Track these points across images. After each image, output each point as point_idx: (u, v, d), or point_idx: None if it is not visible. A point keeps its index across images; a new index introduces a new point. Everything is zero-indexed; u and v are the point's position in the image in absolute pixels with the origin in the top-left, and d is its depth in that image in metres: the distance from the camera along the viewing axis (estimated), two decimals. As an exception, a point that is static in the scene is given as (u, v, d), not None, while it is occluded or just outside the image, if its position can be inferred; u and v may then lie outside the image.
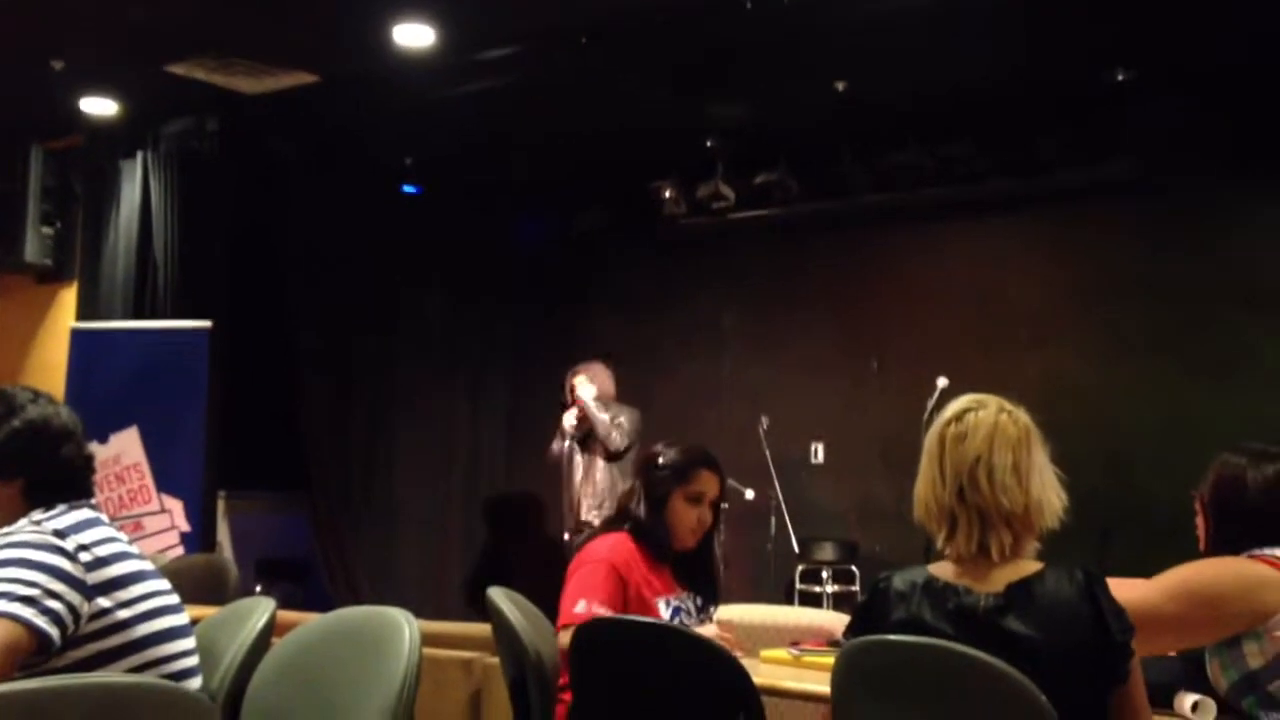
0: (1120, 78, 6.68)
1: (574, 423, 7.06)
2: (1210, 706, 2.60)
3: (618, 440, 6.68)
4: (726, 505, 7.21)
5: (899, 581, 2.48)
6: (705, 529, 3.58)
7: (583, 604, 3.30)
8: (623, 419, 6.79)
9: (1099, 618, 2.28)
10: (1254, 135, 6.78)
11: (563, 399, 7.22)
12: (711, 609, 3.60)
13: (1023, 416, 2.48)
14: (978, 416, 2.47)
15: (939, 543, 2.49)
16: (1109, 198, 7.33)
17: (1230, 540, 2.81)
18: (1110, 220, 7.37)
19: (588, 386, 7.05)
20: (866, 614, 2.52)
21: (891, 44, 6.41)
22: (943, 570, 2.46)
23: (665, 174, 8.37)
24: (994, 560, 2.40)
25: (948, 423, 2.50)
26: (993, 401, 2.51)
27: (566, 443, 7.08)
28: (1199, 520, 3.00)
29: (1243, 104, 6.72)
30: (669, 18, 6.18)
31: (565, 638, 3.25)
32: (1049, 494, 2.44)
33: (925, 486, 2.49)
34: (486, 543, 6.76)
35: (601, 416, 6.74)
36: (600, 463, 6.85)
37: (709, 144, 8.09)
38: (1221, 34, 6.23)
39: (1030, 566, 2.41)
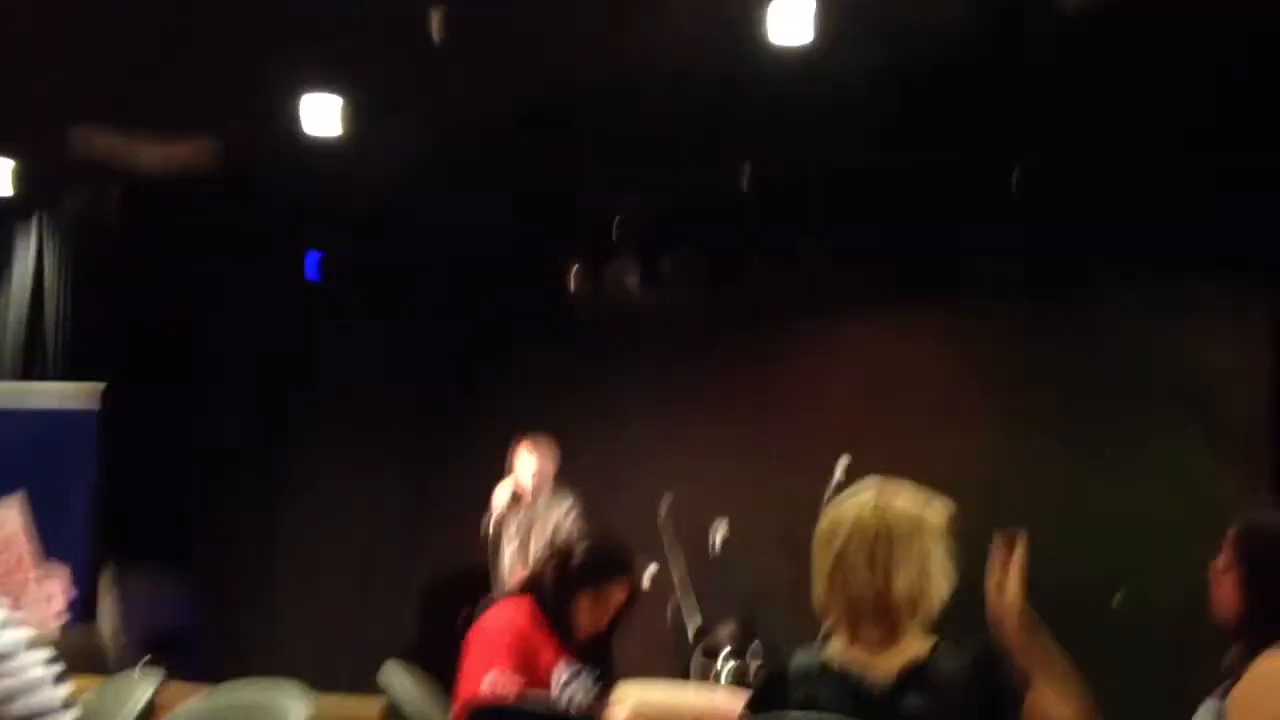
0: (1019, 178, 6.86)
1: (504, 499, 7.00)
2: None
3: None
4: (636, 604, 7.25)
5: (797, 661, 2.50)
6: (603, 628, 3.53)
7: (493, 674, 3.21)
8: (569, 505, 6.83)
9: (992, 697, 2.31)
10: (1141, 232, 7.02)
11: (474, 469, 7.16)
12: (607, 682, 3.56)
13: (898, 505, 2.50)
14: (839, 512, 2.53)
15: (831, 634, 2.54)
16: (1006, 294, 7.51)
17: None
18: (1009, 313, 7.56)
19: (529, 461, 7.00)
20: (766, 693, 2.53)
21: (796, 134, 6.52)
22: (838, 652, 2.48)
23: (572, 252, 8.40)
24: (886, 643, 2.44)
25: (823, 520, 2.55)
26: (867, 492, 2.55)
27: (495, 518, 7.00)
28: (1225, 595, 2.66)
29: (1130, 202, 6.95)
30: (579, 97, 6.24)
31: (462, 715, 3.19)
32: (925, 581, 2.45)
33: (814, 579, 2.53)
34: (385, 613, 6.67)
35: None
36: (529, 545, 6.78)
37: (616, 224, 8.14)
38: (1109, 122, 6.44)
39: (921, 646, 2.43)
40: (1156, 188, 6.78)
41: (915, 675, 2.38)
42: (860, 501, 2.53)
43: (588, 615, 3.47)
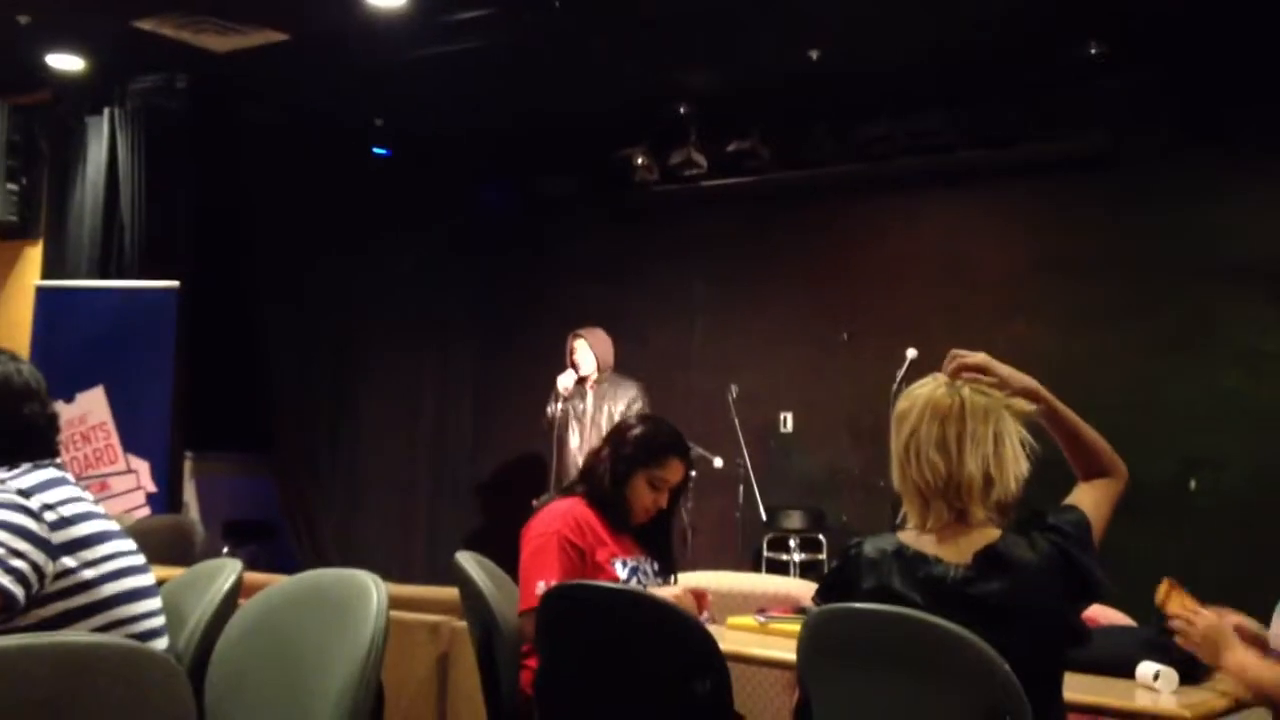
0: (1091, 50, 6.69)
1: (569, 385, 7.10)
2: (1172, 677, 2.62)
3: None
4: (694, 473, 7.31)
5: (870, 549, 2.51)
6: (658, 511, 3.56)
7: (541, 586, 3.26)
8: (634, 394, 6.91)
9: (1070, 581, 2.33)
10: (1221, 109, 6.82)
11: (536, 363, 7.25)
12: (671, 577, 3.59)
13: (966, 391, 2.49)
14: (915, 393, 2.53)
15: (903, 520, 2.53)
16: (1077, 170, 7.36)
17: None
18: (1077, 192, 7.40)
19: (588, 354, 7.09)
20: (837, 580, 2.55)
21: (865, 13, 6.40)
22: (912, 539, 2.49)
23: (637, 140, 8.34)
24: (959, 529, 2.44)
25: (899, 403, 2.55)
26: (943, 376, 2.54)
27: (560, 405, 7.11)
28: None
29: (1212, 78, 6.75)
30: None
31: (529, 624, 3.23)
32: (995, 466, 2.44)
33: (891, 465, 2.55)
34: (454, 508, 6.79)
35: None
36: (602, 429, 6.89)
37: (682, 111, 8.07)
38: (1191, 7, 6.24)
39: (991, 534, 2.43)
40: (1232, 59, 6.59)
41: (990, 558, 2.38)
42: (936, 382, 2.53)
43: (644, 496, 3.49)
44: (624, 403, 7.05)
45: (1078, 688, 2.52)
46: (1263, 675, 2.50)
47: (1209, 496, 6.72)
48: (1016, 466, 2.44)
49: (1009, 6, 6.29)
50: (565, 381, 7.16)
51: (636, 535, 3.57)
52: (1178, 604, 2.70)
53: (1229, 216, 6.90)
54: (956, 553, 2.42)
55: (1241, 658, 2.53)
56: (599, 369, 7.18)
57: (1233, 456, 6.71)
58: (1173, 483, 6.74)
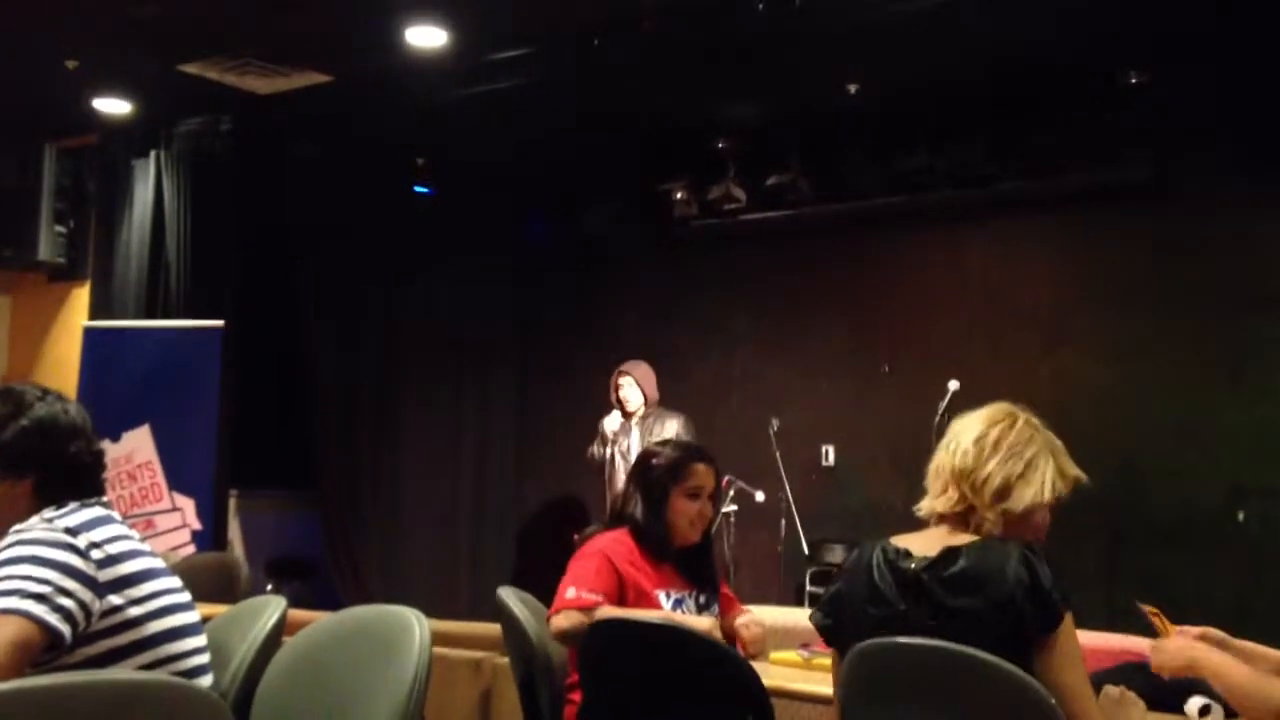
0: (1132, 79, 6.67)
1: (616, 427, 7.10)
2: (1219, 712, 2.60)
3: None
4: (735, 507, 7.25)
5: (866, 547, 2.62)
6: (705, 522, 3.59)
7: (572, 590, 3.34)
8: (677, 426, 6.92)
9: (1032, 580, 2.35)
10: (1265, 135, 6.77)
11: (578, 398, 7.26)
12: (714, 607, 3.59)
13: (1020, 413, 2.61)
14: (981, 409, 2.65)
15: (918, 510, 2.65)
16: (1120, 199, 7.31)
17: None
18: (1121, 222, 7.34)
19: (635, 390, 7.10)
20: (838, 577, 2.68)
21: (903, 44, 6.41)
22: (902, 539, 2.60)
23: (677, 175, 8.37)
24: (949, 529, 2.54)
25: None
26: (996, 405, 2.65)
27: (608, 449, 7.10)
28: None
29: (1254, 104, 6.70)
30: (681, 17, 6.18)
31: (557, 621, 3.30)
32: (1024, 475, 2.52)
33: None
34: (496, 543, 6.80)
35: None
36: None
37: (720, 145, 8.09)
38: (1231, 33, 6.21)
39: (971, 538, 2.50)
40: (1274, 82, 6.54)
41: (954, 551, 2.44)
42: (994, 405, 2.64)
43: (686, 510, 3.52)
44: (669, 436, 7.05)
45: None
46: (1231, 671, 2.52)
47: (1258, 527, 6.63)
48: (1035, 495, 2.52)
49: (1048, 36, 6.28)
50: (611, 425, 7.15)
51: (680, 566, 3.57)
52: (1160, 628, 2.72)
53: (1275, 244, 6.84)
54: (930, 549, 2.50)
55: (1217, 659, 2.55)
56: (646, 404, 7.18)
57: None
58: (1221, 514, 6.65)
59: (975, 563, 2.41)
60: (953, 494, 2.54)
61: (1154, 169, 7.12)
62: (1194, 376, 6.95)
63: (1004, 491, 2.51)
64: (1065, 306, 7.53)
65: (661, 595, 3.45)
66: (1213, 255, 6.99)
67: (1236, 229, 6.93)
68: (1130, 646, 3.13)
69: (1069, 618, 2.35)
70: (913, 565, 2.47)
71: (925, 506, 2.60)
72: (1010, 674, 2.23)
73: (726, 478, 6.83)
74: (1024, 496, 2.51)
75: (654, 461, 3.62)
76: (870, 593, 2.50)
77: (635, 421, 7.16)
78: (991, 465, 2.52)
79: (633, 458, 7.01)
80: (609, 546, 3.47)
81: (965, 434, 2.57)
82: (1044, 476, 2.53)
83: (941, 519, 2.57)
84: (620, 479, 7.07)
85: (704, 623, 3.35)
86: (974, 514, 2.52)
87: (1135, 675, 2.82)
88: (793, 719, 3.89)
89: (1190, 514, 6.69)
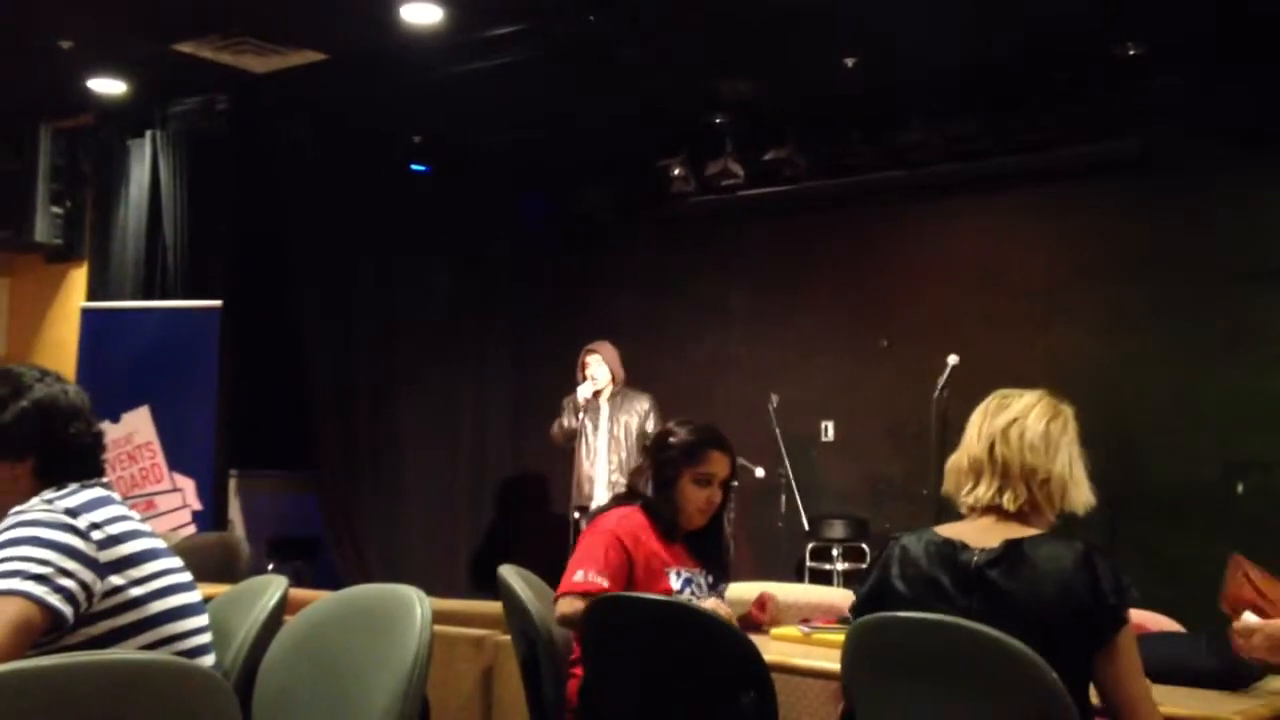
0: (1128, 53, 6.65)
1: (588, 396, 7.15)
2: None
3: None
4: (737, 484, 7.28)
5: (907, 539, 2.57)
6: (714, 508, 3.57)
7: (580, 574, 3.33)
8: (647, 407, 6.98)
9: (1094, 583, 2.31)
10: (1258, 109, 6.75)
11: (572, 377, 7.29)
12: (722, 586, 3.60)
13: (1066, 406, 2.60)
14: (1023, 395, 2.62)
15: (961, 496, 2.59)
16: (1116, 173, 7.30)
17: None
18: (1117, 196, 7.34)
19: (603, 367, 7.16)
20: (874, 569, 2.62)
21: (900, 20, 6.39)
22: (948, 530, 2.54)
23: (674, 152, 8.35)
24: (1002, 520, 2.49)
25: (992, 398, 2.64)
26: (1039, 391, 2.64)
27: (581, 415, 7.15)
28: None
29: (1247, 80, 6.69)
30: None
31: (562, 605, 3.30)
32: (1075, 476, 2.53)
33: (959, 450, 2.61)
34: (495, 521, 6.83)
35: None
36: (619, 440, 6.97)
37: (718, 121, 8.07)
38: (1225, 8, 6.19)
39: (1033, 531, 2.48)
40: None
41: (1018, 550, 2.40)
42: (1038, 393, 2.61)
43: (695, 496, 3.50)
44: (638, 415, 7.11)
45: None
46: None
47: (1257, 499, 6.64)
48: (1086, 500, 2.54)
49: (1043, 11, 6.26)
50: (585, 392, 7.20)
51: (690, 545, 3.57)
52: (1248, 589, 2.66)
53: (1268, 218, 6.83)
54: (989, 541, 2.45)
55: None
56: (613, 381, 7.22)
57: (1279, 459, 6.63)
58: (1219, 486, 6.66)
59: (1041, 559, 2.38)
60: (1021, 491, 2.50)
61: (1148, 143, 7.12)
62: (1190, 349, 6.96)
63: (1064, 491, 2.51)
64: (1061, 280, 7.53)
65: (671, 574, 3.45)
66: (1208, 228, 6.99)
67: (1231, 202, 6.93)
68: (1139, 620, 3.14)
69: (1129, 626, 2.34)
70: (974, 558, 2.44)
71: (978, 498, 2.54)
72: (1014, 649, 2.23)
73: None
74: (1078, 492, 2.53)
75: (670, 440, 3.60)
76: (926, 586, 2.46)
77: (605, 399, 7.19)
78: (1059, 462, 2.51)
79: (603, 432, 7.06)
80: (619, 524, 3.47)
81: (1031, 428, 2.53)
82: (1081, 467, 2.55)
83: (987, 511, 2.53)
84: (584, 451, 7.12)
85: (708, 602, 3.35)
86: (1035, 511, 2.50)
87: (1173, 646, 2.81)
88: (794, 694, 3.91)
89: (1188, 487, 6.70)
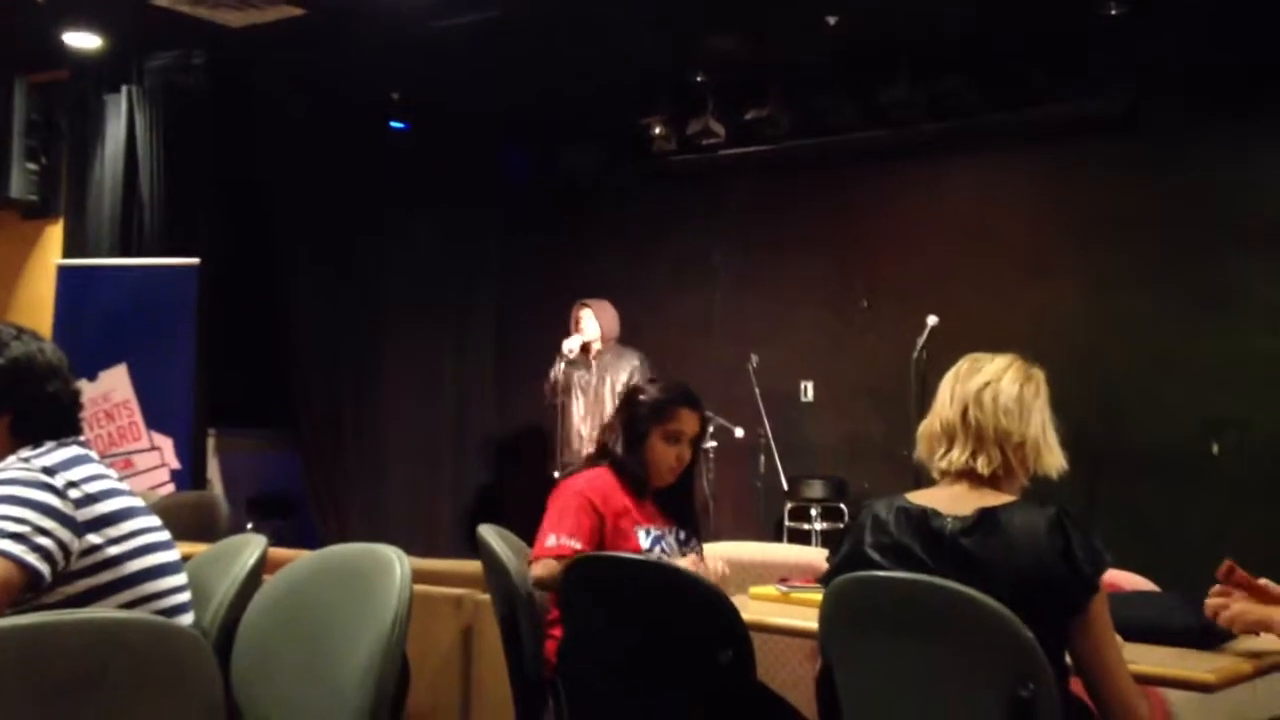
0: (1113, 11, 6.64)
1: (574, 348, 7.14)
2: None
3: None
4: (715, 443, 7.30)
5: (879, 508, 2.56)
6: (684, 466, 3.58)
7: (553, 538, 3.32)
8: (636, 364, 6.99)
9: (1067, 551, 2.32)
10: (1245, 70, 6.75)
11: (555, 335, 7.27)
12: (694, 543, 3.60)
13: (1037, 370, 2.60)
14: (994, 359, 2.61)
15: (933, 461, 2.59)
16: (1102, 131, 7.30)
17: None
18: (1102, 155, 7.34)
19: (593, 322, 7.14)
20: (846, 537, 2.62)
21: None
22: (920, 497, 2.54)
23: (655, 110, 8.32)
24: (975, 486, 2.50)
25: (963, 362, 2.63)
26: (1009, 356, 2.63)
27: (563, 367, 7.14)
28: None
29: (1235, 38, 6.68)
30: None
31: (536, 569, 3.30)
32: (1048, 440, 2.54)
33: (931, 414, 2.61)
34: (477, 480, 6.82)
35: None
36: (604, 397, 6.97)
37: (699, 80, 8.03)
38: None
39: (1006, 498, 2.47)
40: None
41: (991, 517, 2.40)
42: (1009, 357, 2.61)
43: (665, 454, 3.50)
44: (626, 373, 7.10)
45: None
46: None
47: (1233, 459, 6.69)
48: (1059, 464, 2.55)
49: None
50: (571, 344, 7.19)
51: (660, 503, 3.57)
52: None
53: (1253, 178, 6.85)
54: (962, 509, 2.45)
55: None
56: (603, 339, 7.21)
57: (1258, 418, 6.67)
58: (1197, 445, 6.70)
59: (1015, 525, 2.38)
60: (994, 455, 2.50)
61: (1134, 101, 7.11)
62: (1173, 309, 6.99)
63: (1037, 455, 2.52)
64: (1045, 240, 7.54)
65: (641, 532, 3.45)
66: (1193, 188, 7.00)
67: (1217, 162, 6.94)
68: (1114, 579, 3.15)
69: (1103, 593, 2.34)
70: (947, 526, 2.43)
71: (951, 462, 2.53)
72: (987, 607, 2.24)
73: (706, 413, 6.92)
74: (1051, 455, 2.53)
75: (640, 398, 3.60)
76: (898, 554, 2.45)
77: (593, 355, 7.19)
78: (1033, 425, 2.52)
79: (590, 391, 7.07)
80: (587, 486, 3.46)
81: (1004, 392, 2.52)
82: (1053, 431, 2.56)
83: (960, 476, 2.53)
84: (575, 409, 7.13)
85: (683, 560, 3.36)
86: (1009, 475, 2.51)
87: (1147, 605, 2.82)
88: (771, 652, 3.92)
89: (1168, 446, 6.74)
